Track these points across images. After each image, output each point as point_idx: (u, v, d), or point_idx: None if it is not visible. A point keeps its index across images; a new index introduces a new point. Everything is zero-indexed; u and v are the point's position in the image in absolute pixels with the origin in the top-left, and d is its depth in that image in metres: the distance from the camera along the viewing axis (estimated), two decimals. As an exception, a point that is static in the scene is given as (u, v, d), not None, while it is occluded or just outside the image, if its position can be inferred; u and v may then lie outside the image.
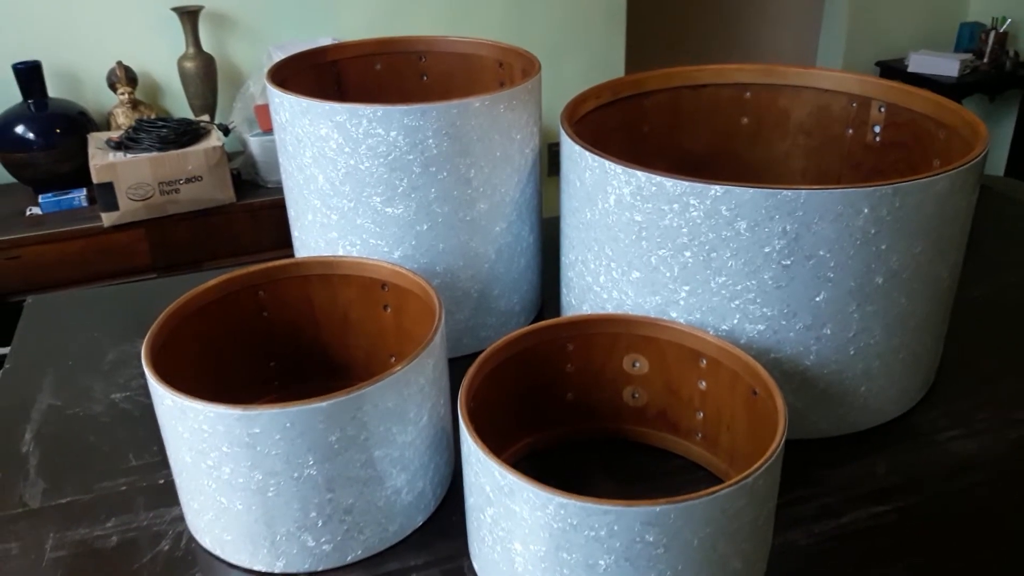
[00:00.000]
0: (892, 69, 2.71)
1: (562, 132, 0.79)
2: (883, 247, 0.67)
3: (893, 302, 0.71)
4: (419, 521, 0.67)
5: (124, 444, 0.78)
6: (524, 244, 0.89)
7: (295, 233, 0.90)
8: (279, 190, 1.80)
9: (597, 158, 0.72)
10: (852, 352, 0.72)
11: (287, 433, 0.57)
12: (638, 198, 0.70)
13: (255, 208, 1.74)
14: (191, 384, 0.69)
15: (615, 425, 0.76)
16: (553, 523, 0.52)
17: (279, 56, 1.95)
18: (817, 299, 0.69)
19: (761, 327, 0.70)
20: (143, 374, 0.88)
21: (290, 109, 0.80)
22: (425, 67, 1.02)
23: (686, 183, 0.67)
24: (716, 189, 0.66)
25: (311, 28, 2.06)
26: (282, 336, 0.79)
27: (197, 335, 0.72)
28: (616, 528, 0.51)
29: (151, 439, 0.78)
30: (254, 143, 1.73)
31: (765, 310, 0.70)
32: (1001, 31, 2.63)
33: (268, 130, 1.75)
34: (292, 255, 0.95)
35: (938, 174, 0.67)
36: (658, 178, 0.68)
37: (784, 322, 0.70)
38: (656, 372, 0.72)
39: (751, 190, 0.65)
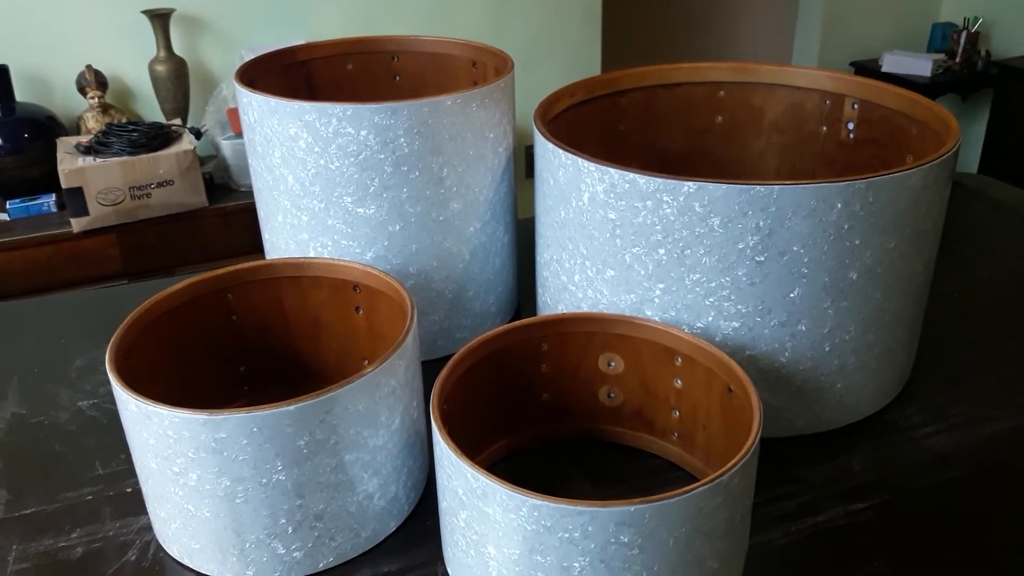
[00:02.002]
0: (866, 69, 2.74)
1: (536, 130, 0.78)
2: (857, 242, 0.67)
3: (867, 298, 0.70)
4: (392, 526, 0.66)
5: (91, 452, 0.76)
6: (499, 244, 0.88)
7: (265, 235, 0.89)
8: (252, 194, 1.78)
9: (570, 156, 0.72)
10: (827, 348, 0.72)
11: (254, 438, 0.56)
12: (612, 196, 0.69)
13: (228, 212, 1.72)
14: (159, 389, 0.68)
15: (591, 425, 0.75)
16: (527, 525, 0.51)
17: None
18: (791, 295, 0.69)
19: (736, 324, 0.70)
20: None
21: (258, 109, 0.78)
22: (398, 67, 1.01)
23: (659, 180, 0.67)
24: (689, 185, 0.66)
25: (285, 30, 2.05)
26: (252, 340, 0.77)
27: (164, 340, 0.70)
28: (590, 529, 0.50)
29: (118, 447, 0.76)
30: (226, 147, 1.71)
31: (740, 307, 0.69)
32: (973, 31, 2.66)
33: (240, 133, 1.73)
34: (264, 258, 0.94)
35: (910, 169, 0.67)
36: (631, 175, 0.68)
37: (759, 319, 0.70)
38: (632, 371, 0.72)
39: (724, 186, 0.65)
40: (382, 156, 0.76)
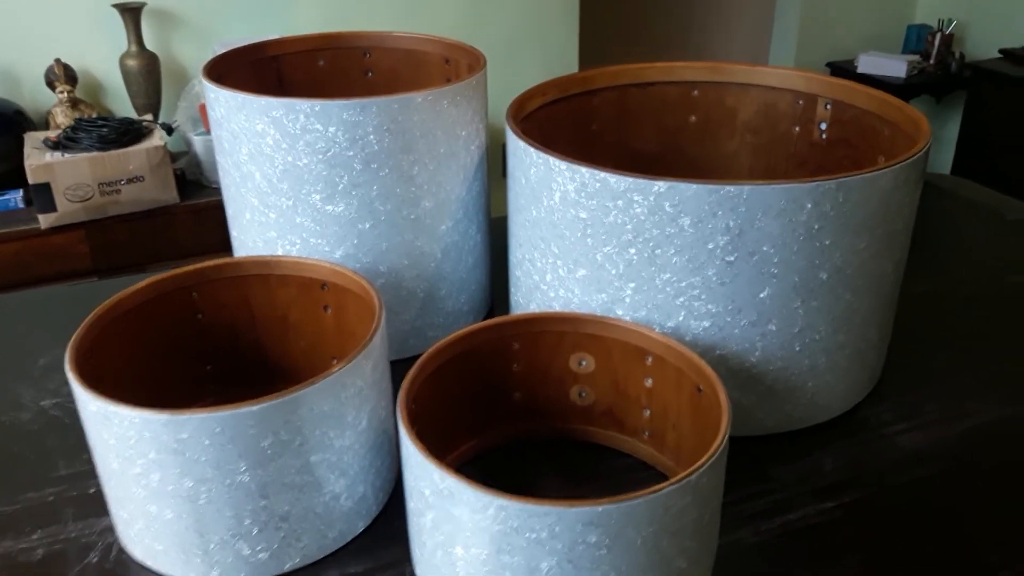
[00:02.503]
0: (842, 70, 2.76)
1: (507, 128, 0.78)
2: (827, 242, 0.67)
3: (838, 298, 0.71)
4: (360, 527, 0.65)
5: (53, 452, 0.75)
6: (471, 243, 0.87)
7: (233, 233, 0.87)
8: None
9: (541, 154, 0.71)
10: (797, 348, 0.72)
11: (217, 438, 0.55)
12: (583, 195, 0.69)
13: (199, 209, 1.70)
14: (122, 389, 0.67)
15: (562, 424, 0.75)
16: (494, 526, 0.51)
17: (226, 54, 1.91)
18: (762, 295, 0.69)
19: (706, 324, 0.70)
20: (75, 380, 0.84)
21: (225, 104, 0.77)
22: (370, 63, 1.00)
23: (629, 179, 0.66)
24: (659, 185, 0.65)
25: (259, 25, 2.02)
26: (218, 338, 0.76)
27: (127, 338, 0.69)
28: (557, 529, 0.50)
29: (82, 447, 0.75)
30: (198, 143, 1.69)
31: (710, 306, 0.69)
32: (947, 32, 2.69)
33: (213, 129, 1.71)
34: (231, 256, 0.92)
35: (881, 169, 0.67)
36: (602, 174, 0.67)
37: (729, 319, 0.70)
38: (602, 370, 0.71)
39: (694, 186, 0.65)
40: (351, 153, 0.75)
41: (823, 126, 0.94)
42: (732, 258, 0.67)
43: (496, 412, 0.73)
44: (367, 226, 0.79)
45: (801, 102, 0.95)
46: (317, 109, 0.73)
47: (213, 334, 0.76)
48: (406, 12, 2.17)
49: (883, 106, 0.84)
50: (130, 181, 1.60)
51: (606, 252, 0.70)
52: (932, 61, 2.63)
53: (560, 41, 2.34)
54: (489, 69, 0.89)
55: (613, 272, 0.70)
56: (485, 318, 0.95)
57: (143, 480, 0.57)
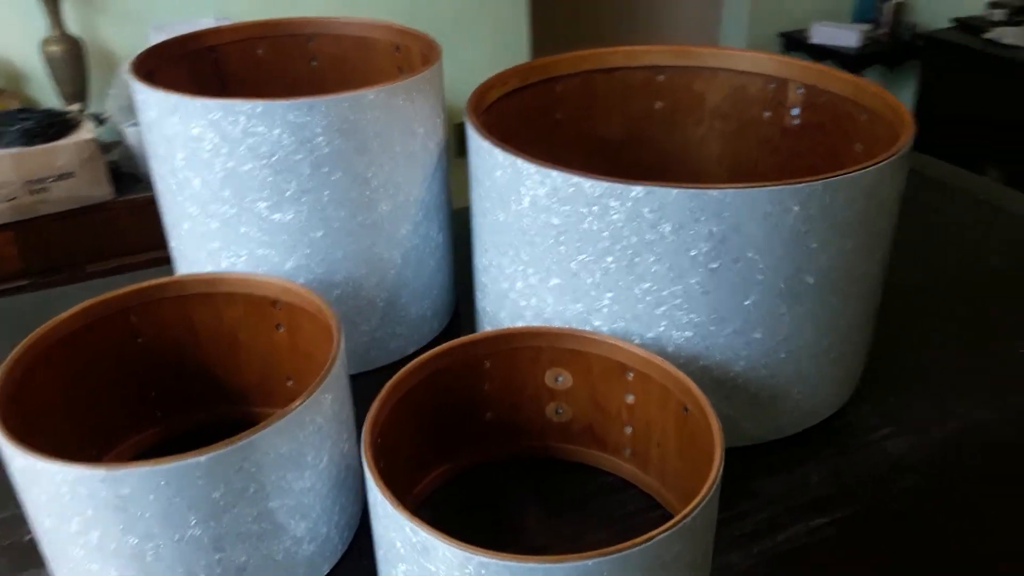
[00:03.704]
0: (795, 40, 2.73)
1: (468, 126, 0.72)
2: (813, 245, 0.63)
3: (824, 302, 0.67)
4: (325, 569, 0.60)
5: (-20, 496, 0.68)
6: (433, 245, 0.82)
7: (172, 243, 0.80)
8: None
9: (508, 156, 0.66)
10: (783, 355, 0.68)
11: (162, 492, 0.49)
12: (555, 200, 0.64)
13: (138, 204, 1.60)
14: (56, 426, 0.60)
15: (539, 443, 0.71)
16: (474, 582, 0.46)
17: (158, 39, 1.80)
18: (746, 303, 0.65)
19: (689, 334, 0.66)
20: (3, 409, 0.77)
21: (157, 107, 0.70)
22: (315, 51, 0.93)
23: (605, 183, 0.61)
24: (638, 190, 0.61)
25: (195, 7, 1.91)
26: (161, 362, 0.70)
27: (62, 369, 0.62)
28: (546, 586, 0.45)
29: (12, 488, 0.68)
30: (132, 134, 1.59)
31: (692, 316, 0.65)
32: (899, 1, 2.67)
33: (149, 118, 1.61)
34: (171, 269, 0.86)
35: (868, 167, 0.63)
36: (575, 178, 0.62)
37: (713, 328, 0.66)
38: (581, 386, 0.67)
39: (675, 191, 0.60)
40: (299, 157, 0.69)
41: (795, 111, 0.90)
42: (715, 265, 0.63)
43: (467, 434, 0.68)
44: (319, 234, 0.73)
45: (772, 86, 0.91)
46: (259, 110, 0.67)
47: (156, 358, 0.69)
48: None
49: (858, 92, 0.81)
50: (59, 178, 1.50)
51: (581, 260, 0.65)
52: (885, 30, 2.62)
53: (509, 24, 2.26)
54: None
55: (589, 281, 0.66)
56: (451, 321, 0.90)
57: (81, 539, 0.51)
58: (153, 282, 0.67)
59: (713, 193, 0.60)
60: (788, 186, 0.60)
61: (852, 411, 0.76)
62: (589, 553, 0.45)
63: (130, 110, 1.60)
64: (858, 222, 0.65)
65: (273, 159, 0.69)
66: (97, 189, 1.55)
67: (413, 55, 0.88)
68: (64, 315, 0.63)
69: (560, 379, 0.67)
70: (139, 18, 1.83)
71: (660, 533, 0.46)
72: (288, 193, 0.70)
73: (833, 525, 0.65)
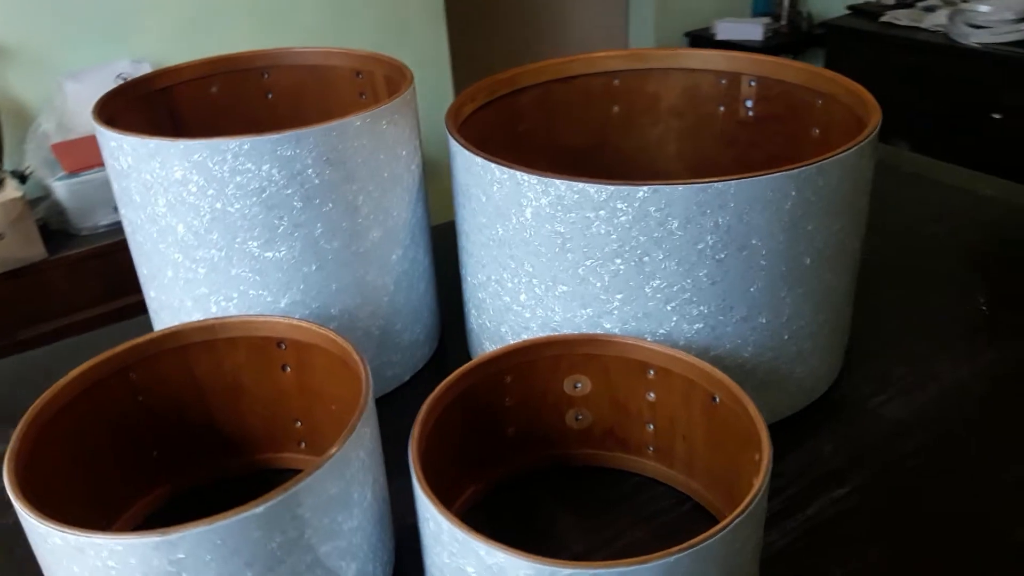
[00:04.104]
0: (701, 38, 2.82)
1: (455, 144, 0.72)
2: (809, 228, 0.66)
3: (820, 281, 0.70)
4: (374, 608, 0.59)
5: (-20, 585, 0.63)
6: (421, 268, 0.81)
7: (151, 294, 0.77)
8: (97, 236, 1.59)
9: (506, 170, 0.66)
10: (786, 337, 0.70)
11: (219, 552, 0.47)
12: (559, 208, 0.65)
13: (72, 261, 1.53)
14: (64, 500, 0.57)
15: (560, 451, 0.71)
16: (559, 596, 0.46)
17: (73, 87, 1.72)
18: (752, 289, 0.66)
19: (700, 325, 0.67)
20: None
21: (132, 153, 0.67)
22: (269, 84, 0.91)
23: (611, 187, 0.62)
24: (644, 190, 0.62)
25: (105, 51, 1.83)
26: (163, 420, 0.67)
27: (63, 441, 0.59)
28: (631, 588, 0.45)
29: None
30: (60, 188, 1.51)
31: (702, 308, 0.66)
32: (792, -7, 2.80)
33: (77, 170, 1.53)
34: (131, 306, 0.82)
35: (852, 147, 0.66)
36: (580, 185, 0.63)
37: (721, 317, 0.67)
38: (600, 390, 0.67)
39: (680, 187, 0.61)
40: (289, 191, 0.67)
41: (749, 104, 0.93)
42: (722, 255, 0.64)
43: (491, 451, 0.68)
44: (313, 268, 0.71)
45: (724, 82, 0.94)
46: (247, 147, 0.65)
47: (157, 416, 0.66)
48: (260, 23, 2.04)
49: (814, 78, 0.84)
50: None
51: (588, 265, 0.66)
52: (784, 22, 2.74)
53: (429, 40, 2.26)
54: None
55: (598, 285, 0.66)
56: (438, 344, 0.89)
57: (129, 613, 0.48)
58: (150, 336, 0.64)
59: (718, 185, 0.61)
60: (785, 172, 0.62)
61: (845, 383, 0.79)
62: (672, 549, 0.45)
63: (54, 164, 1.53)
64: (846, 201, 0.68)
65: (264, 196, 0.67)
66: (29, 249, 1.46)
67: (376, 79, 0.87)
68: (63, 382, 0.59)
69: (579, 385, 0.67)
70: (49, 67, 1.74)
71: (735, 518, 0.47)
72: (280, 229, 0.68)
73: (854, 493, 0.67)
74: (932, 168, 1.23)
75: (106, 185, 1.56)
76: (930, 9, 2.51)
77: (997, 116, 2.19)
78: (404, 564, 0.62)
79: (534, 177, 0.64)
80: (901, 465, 0.70)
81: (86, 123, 1.69)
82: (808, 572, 0.60)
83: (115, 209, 1.60)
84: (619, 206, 0.63)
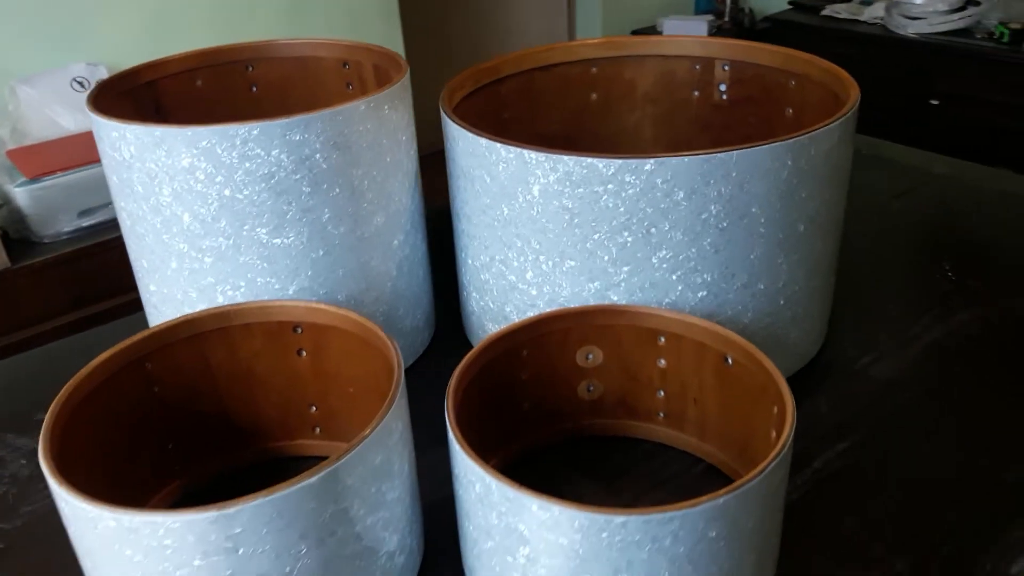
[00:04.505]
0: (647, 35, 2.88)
1: (454, 127, 0.73)
2: (803, 195, 0.69)
3: (812, 247, 0.73)
4: (411, 582, 0.59)
5: (-3, 587, 0.62)
6: (419, 253, 0.82)
7: (151, 287, 0.76)
8: (60, 244, 1.55)
9: (513, 149, 0.68)
10: (782, 302, 0.74)
11: (274, 525, 0.47)
12: (567, 184, 0.66)
13: (36, 269, 1.48)
14: (88, 493, 0.56)
15: (572, 423, 0.72)
16: (613, 546, 0.48)
17: (27, 92, 1.68)
18: (751, 256, 0.69)
19: (703, 293, 0.70)
20: (-13, 495, 0.70)
21: (136, 143, 0.67)
22: (254, 77, 0.91)
23: (619, 160, 0.64)
24: (651, 163, 0.64)
25: (59, 54, 1.78)
26: (178, 411, 0.66)
27: (85, 433, 0.58)
28: (681, 533, 0.47)
29: (35, 572, 0.63)
30: (21, 195, 1.46)
31: (706, 276, 0.69)
32: (733, -10, 2.88)
33: (36, 176, 1.48)
34: (100, 314, 0.81)
35: (839, 118, 0.69)
36: (589, 160, 0.65)
37: (724, 284, 0.70)
38: (611, 360, 0.69)
39: (686, 158, 0.64)
40: (298, 176, 0.68)
41: (723, 87, 0.96)
42: (725, 224, 0.67)
43: (507, 426, 0.69)
44: (320, 254, 0.72)
45: (698, 67, 0.97)
46: (256, 132, 0.65)
47: (172, 407, 0.66)
48: (222, 21, 2.01)
49: (789, 61, 0.88)
50: None
51: (596, 239, 0.68)
52: (727, 19, 2.83)
53: (384, 37, 2.26)
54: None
55: (606, 258, 0.69)
56: (436, 328, 0.90)
57: (183, 593, 0.48)
58: (166, 324, 0.63)
59: (721, 156, 0.64)
60: (783, 142, 0.66)
61: (831, 348, 0.83)
62: (720, 491, 0.47)
63: (12, 170, 1.47)
64: (834, 170, 0.71)
65: (273, 181, 0.67)
66: (-9, 259, 1.41)
67: (364, 68, 0.87)
68: (85, 371, 0.58)
69: (591, 356, 0.69)
70: (1, 72, 1.68)
71: (771, 461, 0.49)
72: (289, 215, 0.69)
73: (856, 448, 0.70)
74: (886, 149, 1.29)
75: (69, 190, 1.52)
76: (867, 2, 2.62)
77: (935, 102, 2.30)
78: (430, 539, 0.63)
79: (541, 154, 0.66)
80: (895, 419, 0.73)
81: (41, 128, 1.65)
82: (822, 521, 0.64)
83: (79, 215, 1.56)
84: (627, 179, 0.65)
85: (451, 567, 0.61)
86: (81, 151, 1.55)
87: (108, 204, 1.61)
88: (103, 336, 0.93)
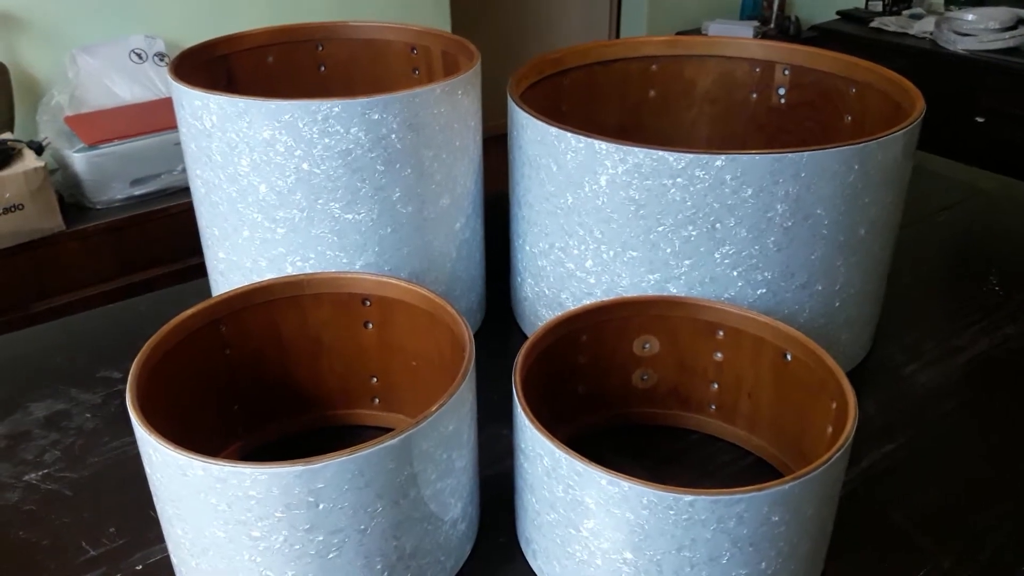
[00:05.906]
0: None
1: (523, 115, 0.75)
2: (866, 200, 0.70)
3: (869, 252, 0.74)
4: (468, 550, 0.61)
5: (69, 532, 0.64)
6: (478, 238, 0.84)
7: (219, 255, 0.78)
8: (111, 211, 1.58)
9: (583, 139, 0.69)
10: (837, 304, 0.75)
11: (355, 482, 0.49)
12: (635, 176, 0.68)
13: (87, 234, 1.51)
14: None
15: (623, 410, 0.74)
16: (679, 524, 0.49)
17: (87, 61, 1.71)
18: (812, 257, 0.71)
19: (763, 291, 0.71)
20: (55, 444, 0.73)
21: (219, 112, 0.69)
22: (323, 57, 0.93)
23: (690, 155, 0.66)
24: (721, 159, 0.65)
25: (119, 25, 1.81)
26: (246, 374, 0.68)
27: (162, 389, 0.60)
28: (746, 516, 0.49)
29: (103, 520, 0.65)
30: (79, 160, 1.50)
31: (766, 274, 0.70)
32: (781, -3, 2.88)
33: (94, 143, 1.51)
34: (141, 282, 0.83)
35: (906, 126, 0.70)
36: (659, 153, 0.66)
37: (783, 283, 0.71)
38: (667, 350, 0.71)
39: (757, 156, 0.65)
40: (373, 155, 0.70)
41: (781, 91, 0.97)
42: (790, 223, 0.68)
43: (563, 410, 0.71)
44: (388, 231, 0.74)
45: (758, 69, 0.98)
46: (337, 110, 0.67)
47: (241, 370, 0.68)
48: (273, 1, 2.05)
49: (851, 68, 0.89)
50: (6, 211, 1.38)
51: (660, 231, 0.69)
52: (772, 25, 2.83)
53: (432, 21, 2.29)
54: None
55: (668, 251, 0.70)
56: (485, 313, 0.91)
57: (262, 544, 0.50)
58: (241, 289, 0.66)
59: (791, 156, 0.65)
60: (852, 146, 0.67)
61: (880, 351, 0.84)
62: (784, 479, 0.49)
63: (71, 136, 1.51)
64: (896, 178, 0.72)
65: (349, 158, 0.69)
66: (48, 221, 1.44)
67: (432, 55, 0.89)
68: (164, 331, 0.61)
69: (647, 346, 0.71)
70: (60, 42, 1.72)
71: (835, 452, 0.51)
72: (362, 191, 0.71)
73: (902, 448, 0.72)
74: (932, 162, 1.30)
75: (123, 159, 1.55)
76: (916, 16, 2.62)
77: (980, 120, 2.29)
78: (485, 511, 0.65)
79: (612, 145, 0.68)
80: (941, 425, 0.75)
81: (98, 97, 1.68)
82: (871, 515, 0.65)
83: (131, 183, 1.59)
84: (697, 173, 0.66)
85: (504, 538, 0.62)
86: (137, 121, 1.58)
87: (159, 175, 1.64)
88: (159, 301, 0.95)
